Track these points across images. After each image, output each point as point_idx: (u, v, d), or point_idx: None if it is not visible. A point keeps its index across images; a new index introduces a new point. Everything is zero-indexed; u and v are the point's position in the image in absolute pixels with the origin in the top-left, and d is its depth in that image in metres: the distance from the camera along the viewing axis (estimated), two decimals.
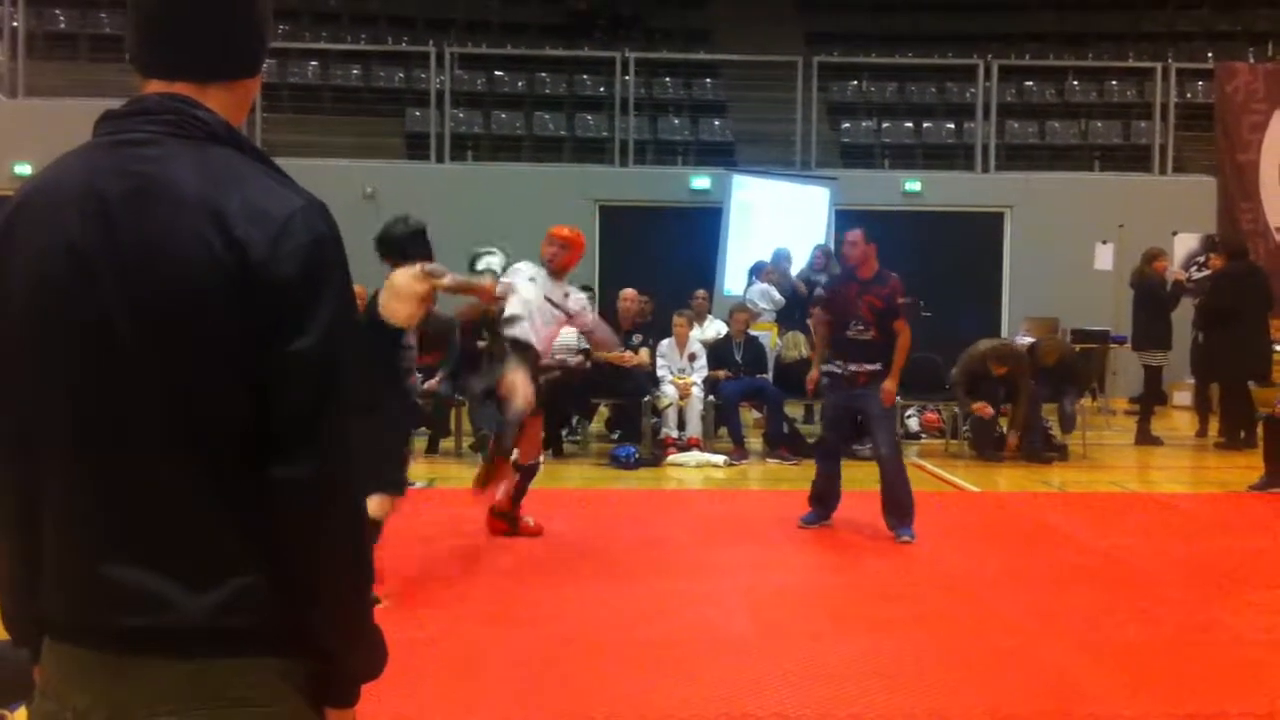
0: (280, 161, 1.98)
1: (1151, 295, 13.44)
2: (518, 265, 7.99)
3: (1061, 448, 12.47)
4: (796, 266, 14.40)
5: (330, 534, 1.84)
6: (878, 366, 8.37)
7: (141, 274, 1.80)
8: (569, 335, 12.25)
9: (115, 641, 1.82)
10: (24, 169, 15.35)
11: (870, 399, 8.39)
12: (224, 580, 1.81)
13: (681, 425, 12.24)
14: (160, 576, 1.80)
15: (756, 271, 14.24)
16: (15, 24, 18.10)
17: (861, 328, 8.33)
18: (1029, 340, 13.64)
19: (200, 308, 1.79)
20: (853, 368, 8.39)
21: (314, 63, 19.64)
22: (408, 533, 4.49)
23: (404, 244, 6.24)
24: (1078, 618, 6.52)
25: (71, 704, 1.86)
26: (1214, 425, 13.66)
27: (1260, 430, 11.28)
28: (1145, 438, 13.38)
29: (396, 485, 5.94)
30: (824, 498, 8.71)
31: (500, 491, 8.01)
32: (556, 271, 8.02)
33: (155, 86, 1.92)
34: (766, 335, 13.25)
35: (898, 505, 8.40)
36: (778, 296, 13.73)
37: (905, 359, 8.42)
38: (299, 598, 1.84)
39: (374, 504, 5.35)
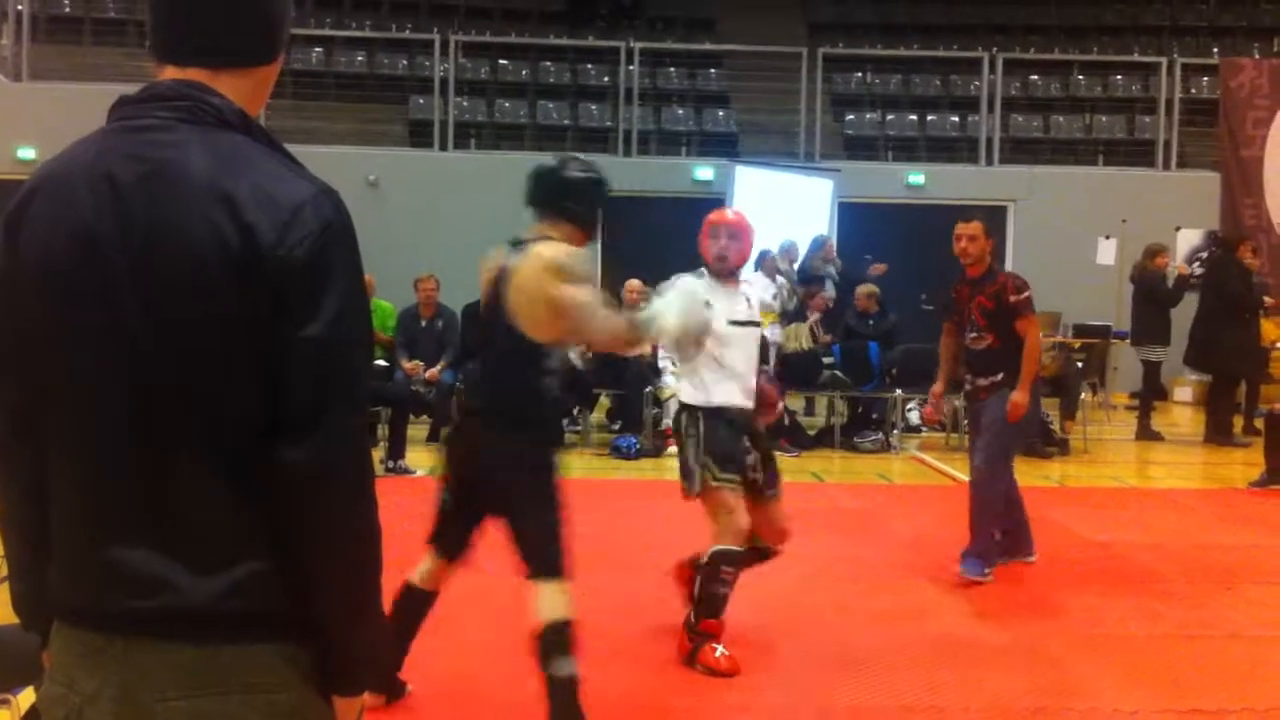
0: (286, 149, 1.98)
1: (1152, 291, 13.45)
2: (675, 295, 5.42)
3: (1063, 441, 12.47)
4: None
5: (334, 520, 1.84)
6: (999, 377, 7.08)
7: (151, 258, 1.81)
8: None
9: (122, 625, 1.83)
10: (27, 153, 15.33)
11: (988, 406, 7.12)
12: (231, 565, 1.82)
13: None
14: (167, 560, 1.81)
15: (760, 263, 14.23)
16: (20, 7, 18.06)
17: (975, 335, 7.19)
18: None
19: (209, 293, 1.79)
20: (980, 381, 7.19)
21: (317, 49, 19.59)
22: (405, 521, 4.49)
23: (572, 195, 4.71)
24: (1077, 612, 6.53)
25: (79, 687, 1.86)
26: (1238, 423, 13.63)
27: (1262, 426, 11.27)
28: (1145, 433, 13.39)
29: None
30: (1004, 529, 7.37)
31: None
32: (734, 270, 5.94)
33: (170, 73, 1.93)
34: (774, 328, 13.23)
35: (971, 529, 7.11)
36: (772, 288, 13.71)
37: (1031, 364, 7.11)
38: (304, 583, 1.85)
39: None
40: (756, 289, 5.89)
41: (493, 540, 4.68)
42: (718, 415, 5.61)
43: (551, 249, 4.40)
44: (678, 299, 4.88)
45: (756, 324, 5.92)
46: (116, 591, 1.83)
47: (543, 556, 4.41)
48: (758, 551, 5.76)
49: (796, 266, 14.28)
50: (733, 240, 5.82)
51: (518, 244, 4.48)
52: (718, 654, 5.45)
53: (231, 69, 1.94)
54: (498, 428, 4.44)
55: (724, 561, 5.49)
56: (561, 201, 4.59)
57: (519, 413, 4.41)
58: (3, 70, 17.46)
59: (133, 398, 1.83)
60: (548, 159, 4.82)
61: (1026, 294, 7.19)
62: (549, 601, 4.38)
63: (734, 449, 5.59)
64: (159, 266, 1.81)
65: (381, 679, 4.54)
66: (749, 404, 5.71)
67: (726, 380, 5.64)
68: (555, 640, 4.35)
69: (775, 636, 5.94)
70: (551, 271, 4.30)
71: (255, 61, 1.98)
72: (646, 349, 4.54)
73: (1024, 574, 7.31)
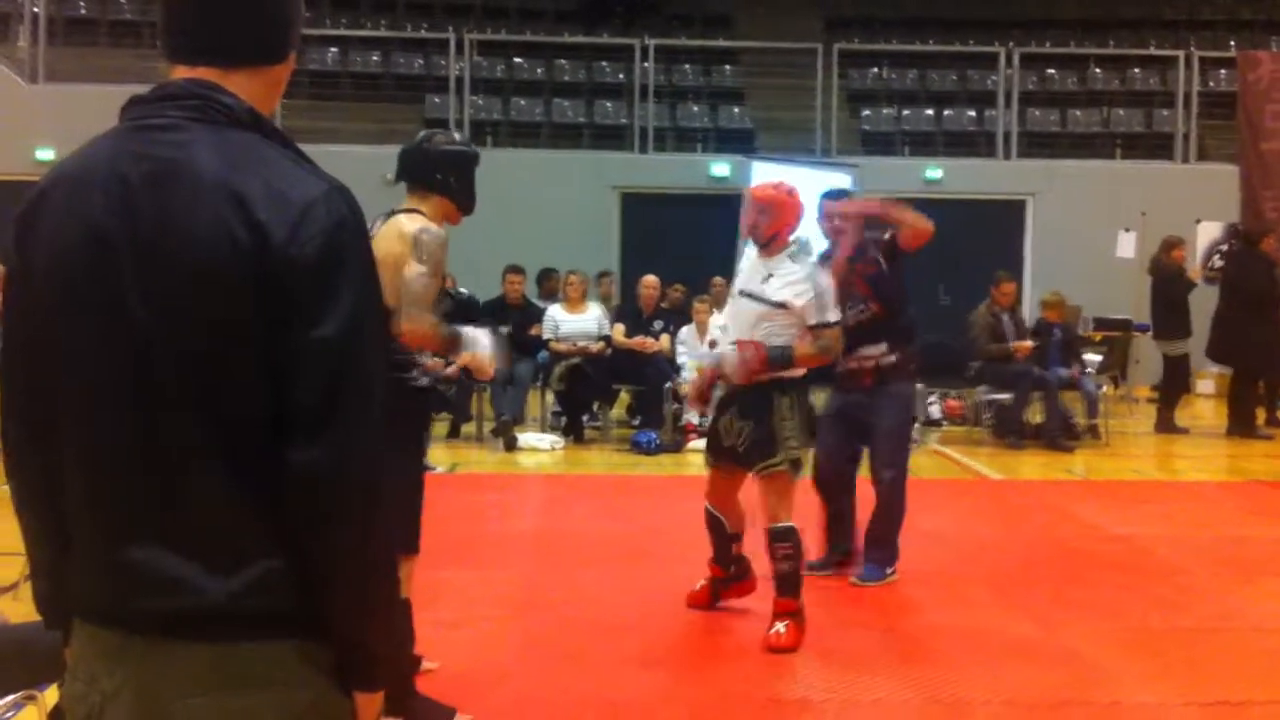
0: (299, 148, 1.98)
1: (1169, 284, 13.40)
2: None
3: (1092, 427, 12.42)
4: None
5: (346, 519, 1.83)
6: (882, 347, 6.80)
7: (162, 257, 1.80)
8: (589, 322, 12.27)
9: (141, 624, 1.83)
10: (46, 154, 15.38)
11: (880, 409, 6.85)
12: (248, 563, 1.82)
13: (703, 412, 12.20)
14: (184, 560, 1.81)
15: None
16: (36, 10, 18.14)
17: (860, 308, 6.75)
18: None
19: (220, 291, 1.79)
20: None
21: (333, 49, 19.64)
22: (428, 518, 4.50)
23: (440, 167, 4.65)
24: (1098, 604, 6.50)
25: (100, 685, 1.86)
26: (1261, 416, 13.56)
27: None
28: (1167, 426, 13.31)
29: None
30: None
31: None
32: (764, 245, 5.96)
33: (181, 72, 1.93)
34: None
35: (878, 540, 6.95)
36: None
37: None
38: (318, 582, 1.84)
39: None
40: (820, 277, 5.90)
41: (496, 537, 4.67)
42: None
43: (411, 222, 4.37)
44: (484, 336, 4.66)
45: (765, 301, 5.79)
46: (135, 592, 1.82)
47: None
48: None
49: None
50: (761, 215, 5.87)
51: (389, 215, 4.44)
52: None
53: (243, 68, 1.94)
54: None
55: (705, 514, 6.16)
56: (430, 174, 4.55)
57: None
58: (20, 72, 17.54)
59: (143, 397, 1.82)
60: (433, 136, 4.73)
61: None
62: None
63: (713, 425, 6.09)
64: (170, 266, 1.80)
65: (398, 680, 4.51)
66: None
67: (726, 349, 5.94)
68: None
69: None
70: (403, 242, 4.28)
71: (266, 60, 1.97)
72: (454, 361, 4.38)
73: (1046, 566, 7.28)
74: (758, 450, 5.73)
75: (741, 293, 5.91)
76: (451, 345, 4.51)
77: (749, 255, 6.07)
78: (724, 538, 6.09)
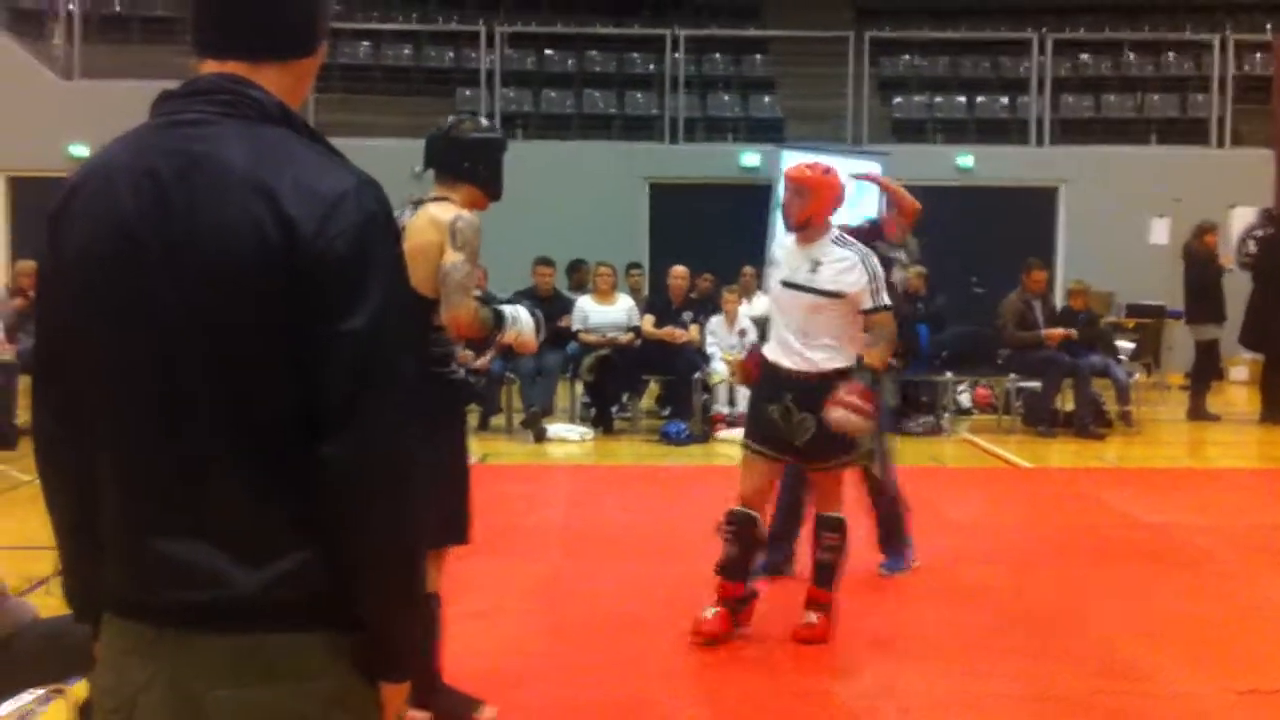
0: (332, 142, 1.99)
1: (1200, 269, 13.30)
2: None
3: (1124, 414, 12.37)
4: None
5: (375, 511, 1.84)
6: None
7: (192, 251, 1.82)
8: (618, 314, 12.27)
9: (172, 617, 1.84)
10: (80, 150, 15.48)
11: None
12: (277, 555, 1.83)
13: (732, 402, 12.22)
14: (215, 552, 1.83)
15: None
16: (71, 7, 18.26)
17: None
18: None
19: (249, 285, 1.80)
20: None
21: (365, 43, 19.71)
22: None
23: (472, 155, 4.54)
24: (1130, 593, 6.48)
25: (130, 678, 1.88)
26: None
27: None
28: (1199, 413, 13.22)
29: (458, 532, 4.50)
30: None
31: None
32: (799, 229, 5.63)
33: (210, 66, 1.94)
34: None
35: (891, 537, 6.83)
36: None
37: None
38: (347, 574, 1.86)
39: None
40: (871, 259, 5.60)
41: (526, 529, 4.69)
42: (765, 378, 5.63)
43: (444, 210, 4.33)
44: (523, 312, 4.64)
45: (817, 291, 5.48)
46: (168, 584, 1.84)
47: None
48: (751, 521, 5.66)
49: None
50: (796, 196, 5.57)
51: (418, 204, 4.39)
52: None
53: (271, 62, 1.95)
54: None
55: (725, 518, 5.61)
56: (459, 163, 4.50)
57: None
58: (55, 69, 17.67)
59: (173, 391, 1.84)
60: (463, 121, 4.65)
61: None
62: None
63: (762, 415, 5.59)
64: (200, 260, 1.82)
65: (425, 672, 4.52)
66: (795, 368, 5.51)
67: (774, 342, 5.64)
68: None
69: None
70: (438, 230, 4.25)
71: (295, 54, 1.98)
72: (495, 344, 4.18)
73: (1076, 554, 7.25)
74: (830, 445, 5.43)
75: (786, 284, 5.55)
76: (495, 326, 4.50)
77: (785, 244, 5.71)
78: (750, 548, 5.66)
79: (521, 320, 4.55)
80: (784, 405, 5.48)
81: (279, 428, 1.84)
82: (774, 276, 5.68)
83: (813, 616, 5.61)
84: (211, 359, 1.83)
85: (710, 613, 5.54)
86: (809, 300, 5.50)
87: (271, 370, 1.82)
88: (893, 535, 6.80)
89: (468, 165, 4.51)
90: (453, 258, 4.24)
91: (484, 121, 4.76)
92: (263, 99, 1.91)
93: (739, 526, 5.57)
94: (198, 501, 1.84)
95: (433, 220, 4.28)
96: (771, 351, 5.61)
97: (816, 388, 5.41)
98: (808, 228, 5.59)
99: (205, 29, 1.96)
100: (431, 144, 4.58)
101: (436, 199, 4.43)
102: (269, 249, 1.80)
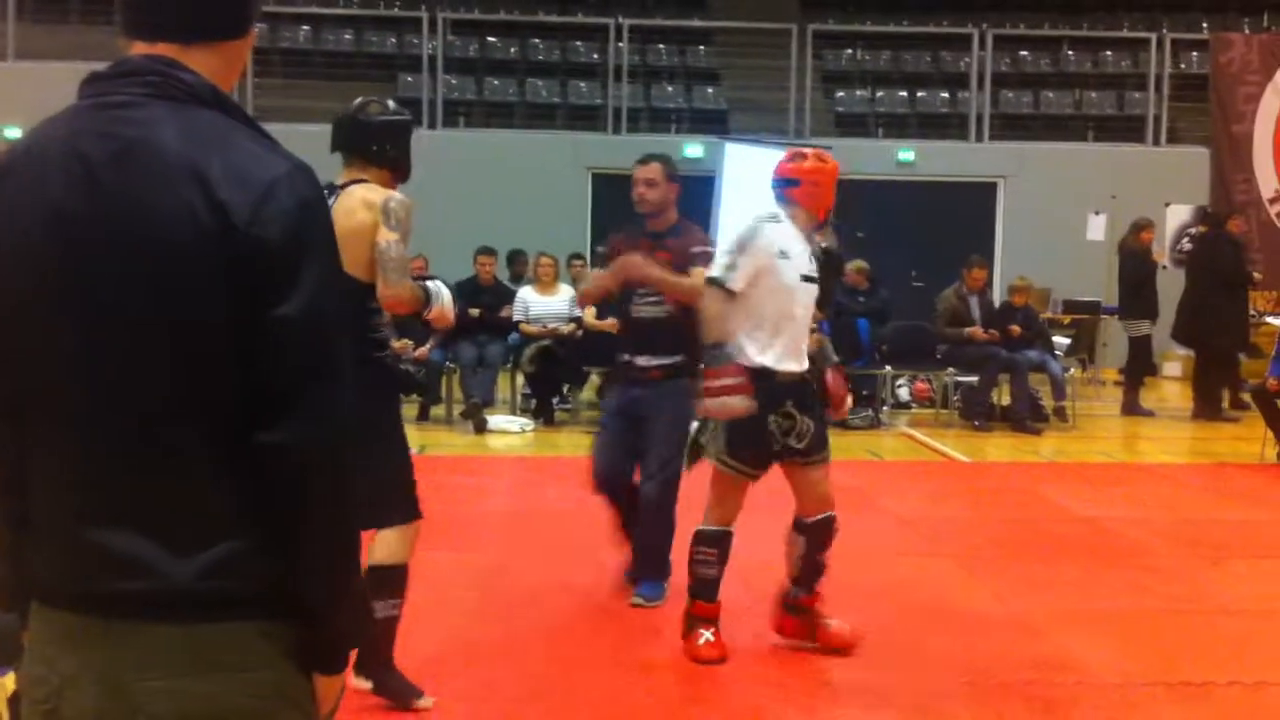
0: (271, 127, 1.96)
1: (1134, 265, 13.47)
2: (759, 228, 5.23)
3: (1060, 409, 12.49)
4: None
5: (314, 499, 1.83)
6: (677, 359, 5.97)
7: (124, 237, 1.79)
8: (560, 304, 12.25)
9: (103, 606, 1.82)
10: (14, 132, 15.24)
11: (659, 406, 5.99)
12: (211, 544, 1.81)
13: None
14: (147, 540, 1.80)
15: None
16: None
17: (651, 300, 6.11)
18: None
19: (182, 271, 1.78)
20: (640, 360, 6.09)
21: (305, 27, 19.51)
22: None
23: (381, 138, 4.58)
24: (1066, 587, 6.55)
25: (59, 669, 1.86)
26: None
27: (1251, 401, 11.29)
28: (1132, 409, 13.38)
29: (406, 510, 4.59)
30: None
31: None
32: (802, 220, 5.36)
33: (140, 48, 1.91)
34: None
35: (648, 556, 6.18)
36: None
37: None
38: (286, 562, 1.84)
39: (393, 542, 4.51)
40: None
41: (467, 519, 4.67)
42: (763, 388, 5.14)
43: (374, 192, 4.34)
44: (443, 287, 4.61)
45: (815, 281, 5.34)
46: (100, 574, 1.82)
47: (389, 502, 4.38)
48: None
49: None
50: (816, 188, 5.35)
51: (331, 190, 4.33)
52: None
53: (202, 43, 1.92)
54: None
55: (700, 542, 5.31)
56: (368, 146, 4.51)
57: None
58: None
59: (107, 378, 1.82)
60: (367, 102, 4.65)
61: (710, 249, 6.02)
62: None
63: (757, 430, 5.15)
64: (132, 245, 1.79)
65: (376, 647, 4.52)
66: (798, 369, 5.26)
67: (779, 346, 5.20)
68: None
69: (764, 611, 5.93)
70: (370, 211, 4.25)
71: (226, 35, 1.95)
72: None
73: (1014, 548, 7.32)
74: (818, 442, 5.30)
75: (806, 279, 5.24)
76: (425, 302, 4.49)
77: (788, 233, 5.24)
78: (821, 551, 5.41)
79: (443, 295, 4.57)
80: (785, 412, 5.18)
81: (216, 416, 1.81)
82: (787, 271, 5.17)
83: (834, 621, 5.43)
84: (146, 344, 1.80)
85: (705, 639, 5.29)
86: (813, 293, 5.37)
87: (207, 358, 1.80)
88: (655, 556, 6.15)
89: (376, 148, 4.51)
90: (388, 236, 4.25)
91: (390, 104, 4.75)
92: (193, 81, 1.88)
93: (720, 548, 5.29)
94: (133, 489, 1.82)
95: (364, 201, 4.29)
96: (772, 358, 5.17)
97: (807, 385, 5.33)
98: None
99: (134, 10, 1.92)
100: (339, 127, 4.56)
101: (357, 181, 4.41)
102: (202, 235, 1.77)
